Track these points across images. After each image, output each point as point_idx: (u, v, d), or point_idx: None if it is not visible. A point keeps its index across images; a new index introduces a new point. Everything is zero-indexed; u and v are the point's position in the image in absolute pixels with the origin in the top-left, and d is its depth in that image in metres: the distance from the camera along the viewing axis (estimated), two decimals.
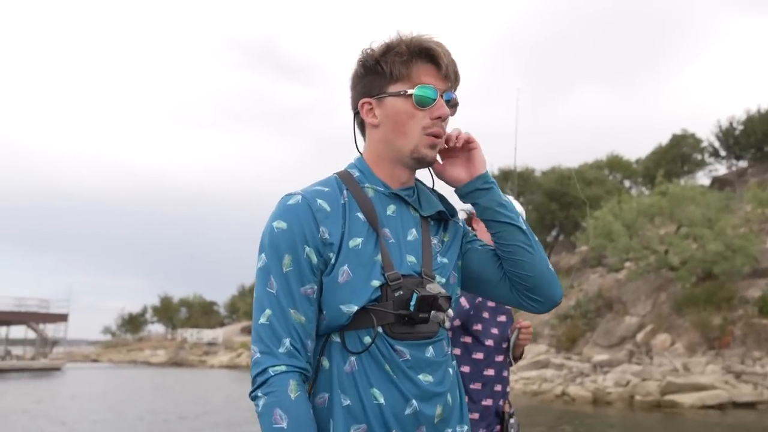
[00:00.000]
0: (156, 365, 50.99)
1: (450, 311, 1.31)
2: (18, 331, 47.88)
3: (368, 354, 1.25)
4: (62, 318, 46.34)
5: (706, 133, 38.71)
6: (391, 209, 1.36)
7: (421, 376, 1.26)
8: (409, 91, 1.31)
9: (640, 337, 21.51)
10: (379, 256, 1.29)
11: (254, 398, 1.22)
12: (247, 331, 53.20)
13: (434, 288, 1.28)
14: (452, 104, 1.36)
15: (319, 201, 1.29)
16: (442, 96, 1.33)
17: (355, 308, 1.25)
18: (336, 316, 1.26)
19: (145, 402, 18.63)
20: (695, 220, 21.79)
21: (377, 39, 1.36)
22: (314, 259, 1.26)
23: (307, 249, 1.25)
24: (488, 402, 2.60)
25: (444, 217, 1.45)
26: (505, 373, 2.68)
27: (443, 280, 1.36)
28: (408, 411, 1.23)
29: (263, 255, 1.27)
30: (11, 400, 18.87)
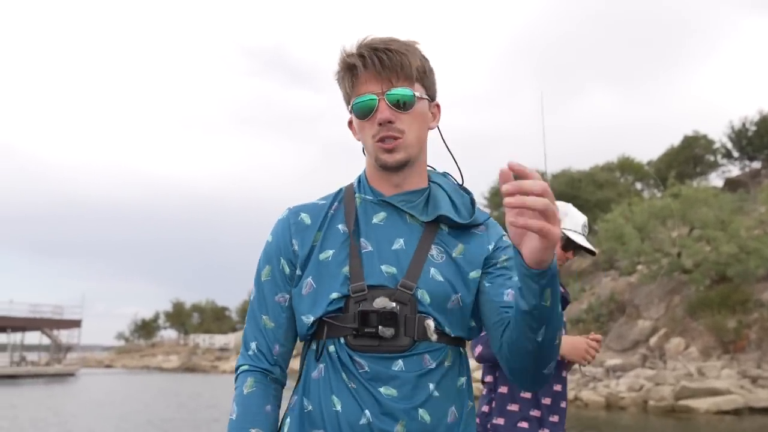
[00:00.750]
0: (168, 371, 51.24)
1: (430, 323, 1.24)
2: (33, 337, 48.34)
3: (331, 363, 1.26)
4: (75, 324, 46.69)
5: (719, 134, 38.38)
6: (379, 217, 1.33)
7: (382, 389, 1.22)
8: (349, 107, 1.35)
9: (653, 341, 21.32)
10: (347, 268, 1.28)
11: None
12: None
13: (380, 302, 1.23)
14: (402, 99, 1.29)
15: (302, 215, 1.37)
16: (383, 98, 1.28)
17: (312, 318, 1.29)
18: (300, 325, 1.33)
19: (156, 408, 18.69)
20: (708, 222, 21.59)
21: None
22: (287, 269, 1.35)
23: (282, 261, 1.35)
24: (554, 419, 2.52)
25: (457, 223, 1.34)
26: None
27: (428, 299, 1.25)
28: (363, 421, 1.22)
29: (258, 263, 1.41)
30: (25, 407, 19.00)
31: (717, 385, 16.55)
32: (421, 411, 1.23)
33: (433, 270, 1.29)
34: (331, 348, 1.27)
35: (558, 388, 2.54)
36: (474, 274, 1.32)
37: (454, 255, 1.32)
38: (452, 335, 1.29)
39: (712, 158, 38.14)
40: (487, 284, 1.31)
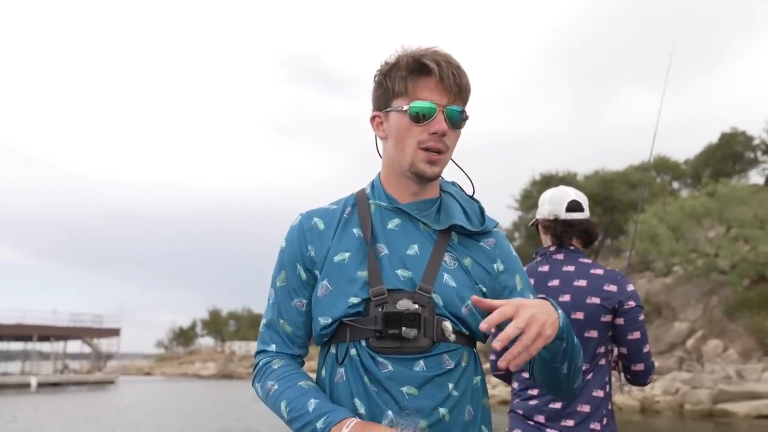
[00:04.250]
0: (206, 378, 51.93)
1: (448, 324, 1.29)
2: (74, 346, 49.56)
3: (353, 366, 1.29)
4: (115, 333, 47.72)
5: (758, 130, 37.20)
6: (393, 223, 1.37)
7: (404, 389, 1.26)
8: (405, 107, 1.32)
9: (690, 343, 20.76)
10: (365, 272, 1.30)
11: (254, 388, 1.39)
12: None
13: (403, 304, 1.27)
14: (458, 118, 1.34)
15: (315, 219, 1.39)
16: (443, 111, 1.32)
17: (330, 320, 1.31)
18: (316, 327, 1.34)
19: (193, 417, 18.93)
20: (745, 221, 20.96)
21: (392, 52, 1.38)
22: (304, 275, 1.37)
23: (298, 266, 1.37)
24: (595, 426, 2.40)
25: (472, 233, 1.40)
26: None
27: (441, 303, 1.30)
28: (385, 422, 1.24)
29: (274, 269, 1.43)
30: (67, 414, 19.45)
31: (757, 388, 16.01)
32: (441, 410, 1.27)
33: (446, 276, 1.33)
34: (353, 351, 1.30)
35: (599, 393, 2.38)
36: (482, 287, 1.37)
37: (465, 263, 1.37)
38: (468, 336, 1.34)
39: (752, 155, 37.03)
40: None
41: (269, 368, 1.36)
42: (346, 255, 1.33)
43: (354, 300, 1.29)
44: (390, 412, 1.25)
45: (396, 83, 1.33)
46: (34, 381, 36.82)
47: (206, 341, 78.73)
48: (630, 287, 2.43)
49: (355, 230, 1.36)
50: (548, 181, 31.26)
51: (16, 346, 49.60)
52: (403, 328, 1.25)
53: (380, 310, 1.27)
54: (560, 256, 2.52)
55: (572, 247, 2.53)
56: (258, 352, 1.42)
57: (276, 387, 1.32)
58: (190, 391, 32.89)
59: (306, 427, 1.25)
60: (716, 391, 16.07)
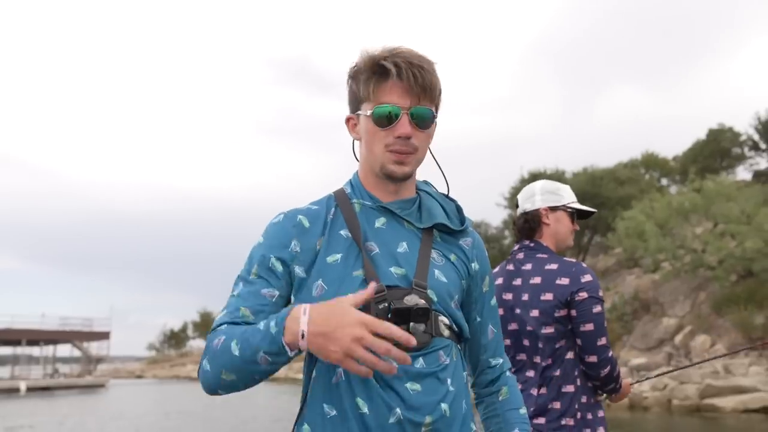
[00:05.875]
0: (197, 380, 51.64)
1: (445, 319, 1.32)
2: (64, 350, 49.30)
3: None
4: (104, 336, 47.44)
5: (745, 126, 37.37)
6: (380, 222, 1.37)
7: (408, 385, 1.26)
8: (369, 112, 1.33)
9: (678, 338, 20.85)
10: (360, 271, 1.30)
11: (200, 375, 1.27)
12: None
13: (411, 300, 1.26)
14: (425, 118, 1.33)
15: (299, 217, 1.36)
16: (408, 113, 1.31)
17: None
18: None
19: (182, 419, 18.84)
20: (732, 217, 21.05)
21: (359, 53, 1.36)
22: (279, 267, 1.32)
23: (273, 259, 1.32)
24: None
25: (452, 231, 1.42)
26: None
27: (435, 298, 1.32)
28: (392, 420, 1.24)
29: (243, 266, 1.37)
30: (58, 417, 19.31)
31: (744, 382, 16.10)
32: (443, 405, 1.28)
33: (437, 272, 1.36)
34: None
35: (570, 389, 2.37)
36: (464, 282, 1.41)
37: (451, 260, 1.40)
38: (455, 332, 1.37)
39: (739, 151, 37.20)
40: (478, 318, 1.46)
41: (213, 333, 1.26)
42: (338, 256, 1.32)
43: None
44: (398, 410, 1.24)
45: (361, 87, 1.34)
46: (23, 385, 36.54)
47: (198, 343, 78.38)
48: (585, 278, 2.36)
49: (343, 232, 1.35)
50: (536, 179, 31.25)
51: (5, 350, 49.34)
52: (412, 323, 1.25)
53: (380, 307, 1.25)
54: (521, 255, 2.52)
55: (531, 243, 2.52)
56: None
57: (223, 338, 1.21)
58: (180, 393, 32.71)
59: (262, 343, 1.15)
60: (703, 386, 16.15)
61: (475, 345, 1.48)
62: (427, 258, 1.36)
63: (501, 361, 1.51)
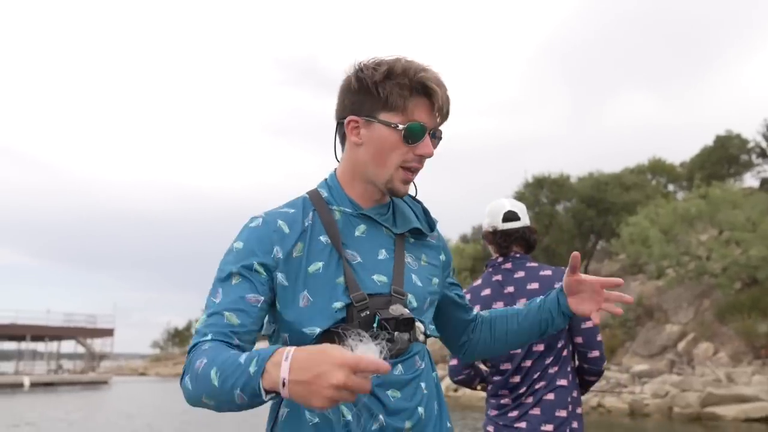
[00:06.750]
0: None
1: (421, 326, 1.35)
2: (68, 346, 49.46)
3: None
4: (108, 333, 47.63)
5: (753, 133, 37.14)
6: (360, 229, 1.38)
7: (389, 392, 1.29)
8: (401, 126, 1.32)
9: (681, 346, 20.73)
10: (342, 278, 1.30)
11: (182, 388, 1.22)
12: None
13: (396, 309, 1.28)
14: (437, 138, 1.38)
15: (279, 222, 1.34)
16: (429, 134, 1.34)
17: (318, 330, 1.27)
18: (300, 338, 1.28)
19: (187, 418, 18.89)
20: (737, 224, 20.93)
21: (378, 54, 1.36)
22: (263, 274, 1.29)
23: (255, 265, 1.29)
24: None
25: (422, 232, 1.46)
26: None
27: (414, 304, 1.35)
28: (375, 426, 1.26)
29: (217, 271, 1.32)
30: (63, 413, 19.39)
31: (746, 391, 15.97)
32: (420, 409, 1.32)
33: (414, 276, 1.38)
34: None
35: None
36: (435, 280, 1.45)
37: (422, 263, 1.44)
38: (429, 335, 1.40)
39: (746, 158, 36.98)
40: (456, 296, 1.57)
41: (197, 350, 1.20)
42: (320, 264, 1.31)
43: (338, 305, 1.28)
44: (381, 416, 1.26)
45: (393, 97, 1.31)
46: (27, 381, 36.73)
47: None
48: None
49: (322, 238, 1.34)
50: (541, 184, 31.13)
51: (10, 345, 49.57)
52: (396, 333, 1.27)
53: (362, 315, 1.27)
54: (508, 265, 2.68)
55: (518, 254, 2.69)
56: (189, 349, 1.23)
57: (204, 361, 1.15)
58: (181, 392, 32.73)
59: (238, 381, 1.08)
60: (705, 394, 16.03)
61: (464, 310, 1.61)
62: (403, 263, 1.37)
63: (474, 310, 1.66)
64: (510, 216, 2.70)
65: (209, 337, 1.23)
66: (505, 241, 2.67)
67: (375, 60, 1.35)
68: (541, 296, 1.59)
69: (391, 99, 1.31)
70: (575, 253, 1.44)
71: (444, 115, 1.37)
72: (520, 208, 2.75)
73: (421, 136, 1.33)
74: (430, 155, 1.35)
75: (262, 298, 1.29)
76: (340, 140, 1.43)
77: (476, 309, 2.54)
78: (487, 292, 2.68)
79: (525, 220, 2.72)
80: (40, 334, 43.85)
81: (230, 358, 1.13)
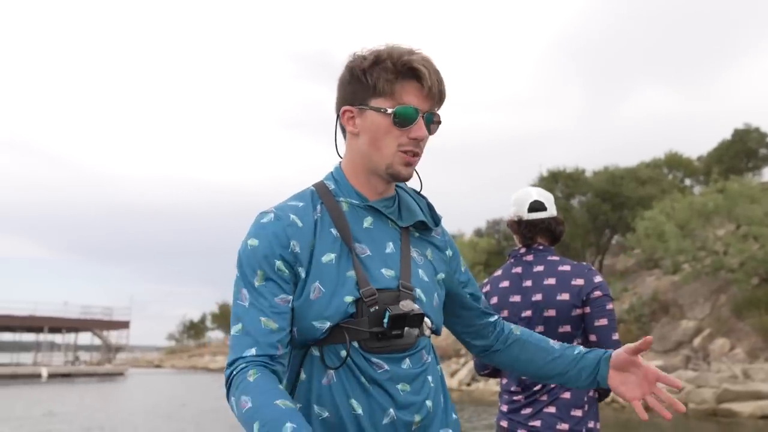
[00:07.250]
0: (215, 371, 52.28)
1: (428, 321, 1.34)
2: (85, 338, 50.12)
3: (346, 367, 1.27)
4: (124, 325, 48.14)
5: None
6: (367, 221, 1.37)
7: (399, 386, 1.29)
8: (389, 110, 1.32)
9: (697, 341, 20.57)
10: (353, 272, 1.30)
11: (229, 404, 1.24)
12: None
13: (407, 305, 1.28)
14: (434, 122, 1.37)
15: (292, 216, 1.32)
16: (423, 116, 1.33)
17: (329, 324, 1.26)
18: (309, 331, 1.27)
19: (197, 409, 19.04)
20: (755, 219, 20.67)
21: (368, 45, 1.36)
22: (286, 271, 1.28)
23: (278, 263, 1.28)
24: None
25: (427, 226, 1.45)
26: None
27: (423, 298, 1.35)
28: (386, 420, 1.26)
29: (238, 271, 1.32)
30: (78, 404, 19.62)
31: (762, 388, 15.82)
32: (428, 402, 1.32)
33: (420, 271, 1.38)
34: (342, 353, 1.27)
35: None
36: (441, 276, 1.44)
37: (428, 256, 1.43)
38: (435, 329, 1.38)
39: (765, 152, 36.50)
40: (468, 296, 1.52)
41: (244, 380, 1.20)
42: (333, 256, 1.30)
43: (348, 299, 1.27)
44: (391, 410, 1.27)
45: (380, 83, 1.31)
46: (44, 371, 37.29)
47: (216, 335, 79.15)
48: (597, 279, 2.52)
49: (332, 230, 1.33)
50: (556, 178, 30.95)
51: (28, 337, 50.28)
52: (406, 328, 1.27)
53: (372, 310, 1.27)
54: (530, 257, 2.63)
55: (540, 246, 2.63)
56: (231, 362, 1.24)
57: (249, 405, 1.16)
58: (196, 384, 33.07)
59: None
60: (720, 391, 15.90)
61: (475, 313, 1.55)
62: (409, 257, 1.37)
63: (496, 316, 1.59)
64: (536, 206, 2.64)
65: (252, 352, 1.23)
66: (530, 232, 2.62)
67: (364, 49, 1.36)
68: (582, 348, 1.51)
69: (379, 84, 1.31)
70: (648, 338, 1.33)
71: (437, 96, 1.34)
72: (547, 198, 2.69)
73: (412, 118, 1.31)
74: (423, 137, 1.33)
75: (290, 297, 1.28)
76: (342, 133, 1.43)
77: (503, 314, 2.56)
78: (505, 284, 2.64)
79: (552, 211, 2.66)
80: (57, 326, 44.45)
81: (275, 422, 1.13)
